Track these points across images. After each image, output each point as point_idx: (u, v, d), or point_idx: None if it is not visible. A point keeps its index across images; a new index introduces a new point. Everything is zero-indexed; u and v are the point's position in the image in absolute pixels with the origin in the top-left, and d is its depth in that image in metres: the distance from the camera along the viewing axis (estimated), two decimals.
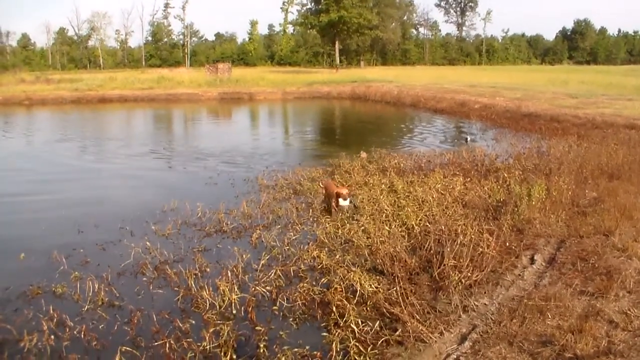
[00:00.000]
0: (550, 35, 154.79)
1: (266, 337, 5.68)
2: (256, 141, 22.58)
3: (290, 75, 61.43)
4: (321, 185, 11.31)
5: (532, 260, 7.39)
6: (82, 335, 5.73)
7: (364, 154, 15.51)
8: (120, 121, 32.16)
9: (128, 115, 34.90)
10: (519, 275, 6.93)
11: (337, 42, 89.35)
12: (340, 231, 8.75)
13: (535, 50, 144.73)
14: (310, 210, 10.22)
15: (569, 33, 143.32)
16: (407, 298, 6.06)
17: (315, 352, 5.29)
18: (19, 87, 45.64)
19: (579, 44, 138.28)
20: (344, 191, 9.56)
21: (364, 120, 30.88)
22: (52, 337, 5.68)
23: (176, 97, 43.92)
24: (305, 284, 6.85)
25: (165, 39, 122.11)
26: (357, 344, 5.33)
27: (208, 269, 7.49)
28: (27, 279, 7.21)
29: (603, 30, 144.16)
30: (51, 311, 6.16)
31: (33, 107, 38.02)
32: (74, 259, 8.01)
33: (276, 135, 25.29)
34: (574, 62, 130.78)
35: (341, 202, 9.48)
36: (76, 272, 7.43)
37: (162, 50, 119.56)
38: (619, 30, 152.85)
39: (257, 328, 5.85)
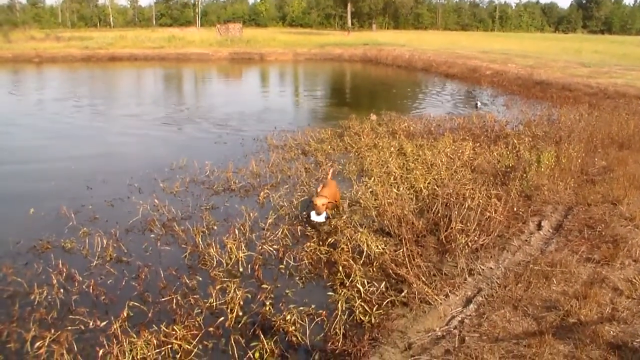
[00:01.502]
0: (564, 3, 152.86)
1: (272, 295, 5.73)
2: (266, 101, 22.49)
3: (301, 36, 61.03)
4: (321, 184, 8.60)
5: (539, 227, 7.38)
6: (91, 290, 5.79)
7: (373, 116, 15.44)
8: (130, 80, 32.05)
9: (138, 74, 34.77)
10: (526, 240, 6.93)
11: (349, 5, 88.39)
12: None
13: (549, 18, 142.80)
14: (320, 170, 10.21)
15: (584, 1, 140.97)
16: (414, 260, 6.08)
17: (320, 311, 5.32)
18: (28, 45, 45.48)
19: (593, 13, 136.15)
20: (320, 202, 7.49)
21: (375, 83, 30.68)
22: (62, 290, 5.75)
23: (186, 56, 43.71)
24: (312, 244, 6.90)
25: None
26: (362, 303, 5.37)
27: (215, 227, 7.53)
28: (36, 234, 7.28)
29: (619, 0, 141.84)
30: (60, 265, 6.22)
31: (43, 64, 37.91)
32: (83, 215, 8.07)
33: (286, 95, 25.18)
34: (588, 32, 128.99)
35: (313, 215, 7.58)
36: (85, 228, 7.49)
37: (172, 10, 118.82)
38: (635, 0, 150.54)
39: (263, 286, 5.90)
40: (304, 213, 7.94)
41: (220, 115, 17.33)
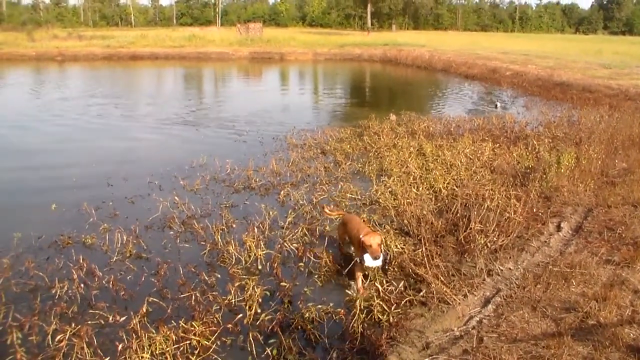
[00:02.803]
0: (585, 4, 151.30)
1: (291, 293, 5.74)
2: (286, 101, 22.55)
3: (321, 36, 61.01)
4: (338, 215, 7.04)
5: (558, 228, 7.33)
6: (111, 285, 5.84)
7: (393, 116, 15.41)
8: (151, 79, 32.25)
9: (158, 72, 34.97)
10: (545, 242, 6.89)
11: (369, 5, 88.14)
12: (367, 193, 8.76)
13: (569, 19, 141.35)
14: (339, 170, 10.22)
15: (605, 2, 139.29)
16: (432, 260, 6.06)
17: (339, 310, 5.34)
18: (51, 43, 45.91)
19: (614, 14, 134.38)
20: (375, 241, 5.48)
21: (395, 83, 30.63)
22: (82, 285, 5.81)
23: (207, 55, 43.90)
24: (331, 242, 6.91)
25: None
26: (380, 302, 5.36)
27: (235, 225, 7.56)
28: (58, 229, 7.35)
29: None
30: (81, 261, 6.29)
31: (65, 62, 38.27)
32: (104, 211, 8.14)
33: (306, 95, 25.22)
34: (608, 33, 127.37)
35: (367, 260, 5.49)
36: (105, 224, 7.55)
37: (193, 9, 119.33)
38: None
39: (282, 284, 5.91)
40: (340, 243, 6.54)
41: (240, 114, 17.37)
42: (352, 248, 6.08)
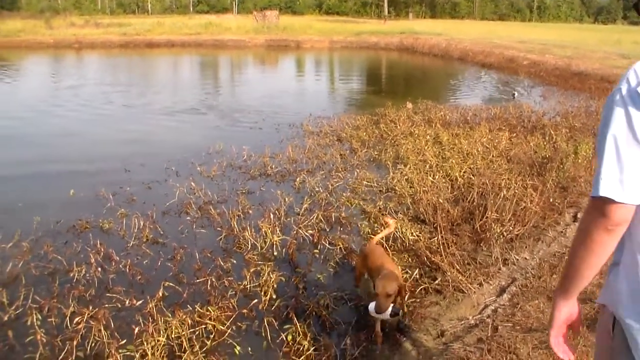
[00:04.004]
0: None
1: (306, 279, 5.76)
2: (302, 88, 22.55)
3: (338, 24, 60.70)
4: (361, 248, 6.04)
5: (575, 218, 7.29)
6: (127, 270, 5.88)
7: (409, 105, 15.34)
8: (167, 66, 32.33)
9: (175, 60, 35.04)
10: (561, 232, 6.86)
11: None
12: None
13: (588, 8, 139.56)
14: (355, 157, 10.22)
15: None
16: (448, 248, 6.06)
17: (354, 297, 5.35)
18: (69, 31, 46.08)
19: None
20: (385, 289, 4.37)
21: (411, 72, 30.52)
22: (99, 269, 5.85)
23: (223, 43, 43.90)
24: (346, 229, 6.94)
25: None
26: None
27: (251, 211, 7.59)
28: (76, 214, 7.40)
29: None
30: (98, 245, 6.34)
31: (82, 50, 38.44)
32: (121, 197, 8.19)
33: (322, 83, 25.19)
34: (628, 22, 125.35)
35: (371, 309, 4.49)
36: (122, 209, 7.60)
37: None
38: None
39: (297, 270, 5.94)
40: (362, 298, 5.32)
41: (256, 102, 17.38)
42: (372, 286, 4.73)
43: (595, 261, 1.92)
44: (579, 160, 9.22)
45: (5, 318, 4.93)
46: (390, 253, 6.14)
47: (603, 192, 1.78)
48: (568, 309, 2.11)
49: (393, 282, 4.42)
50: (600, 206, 1.81)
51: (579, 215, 7.31)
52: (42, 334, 4.54)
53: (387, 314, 4.43)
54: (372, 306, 4.49)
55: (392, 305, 4.43)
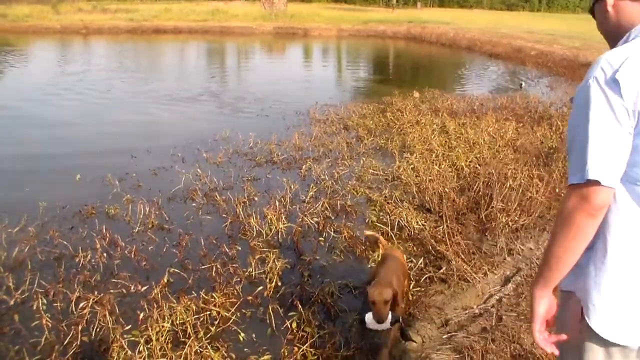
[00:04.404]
0: None
1: (311, 267, 5.77)
2: (308, 76, 22.47)
3: (346, 12, 60.45)
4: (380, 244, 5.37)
5: None
6: (133, 255, 5.90)
7: (416, 94, 15.30)
8: (174, 53, 32.26)
9: (182, 47, 34.95)
10: None
11: None
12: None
13: None
14: (361, 145, 10.20)
15: None
16: (453, 237, 6.05)
17: (358, 285, 5.35)
18: (76, 16, 45.96)
19: None
20: (379, 297, 3.93)
21: (418, 61, 30.40)
22: (105, 255, 5.87)
23: (230, 30, 43.76)
24: (351, 217, 6.95)
25: None
26: None
27: (257, 198, 7.59)
28: (82, 199, 7.43)
29: None
30: (104, 231, 6.36)
31: (90, 35, 38.40)
32: (127, 183, 8.21)
33: (329, 71, 25.12)
34: None
35: (368, 320, 4.01)
36: (128, 195, 7.62)
37: None
38: None
39: (302, 257, 5.95)
40: (357, 317, 4.42)
41: (263, 89, 17.35)
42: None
43: (577, 247, 1.94)
44: None
45: (12, 302, 4.95)
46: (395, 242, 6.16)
47: (593, 175, 1.83)
48: (548, 301, 2.10)
49: (387, 288, 4.04)
50: (584, 191, 1.86)
51: None
52: (48, 319, 4.56)
53: (387, 323, 4.00)
54: (369, 317, 4.01)
55: (390, 312, 4.02)
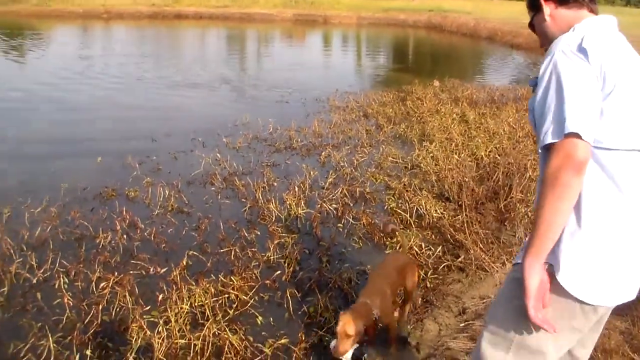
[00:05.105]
0: None
1: (329, 253, 5.76)
2: (328, 63, 22.49)
3: (366, 0, 60.20)
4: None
5: None
6: (152, 238, 5.94)
7: (436, 83, 15.23)
8: (195, 39, 32.33)
9: (203, 33, 35.01)
10: None
11: None
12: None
13: None
14: (381, 133, 10.18)
15: None
16: (472, 226, 6.03)
17: None
18: (97, 1, 46.07)
19: None
20: (345, 329, 3.55)
21: (438, 50, 30.24)
22: (125, 236, 5.92)
23: (250, 16, 43.73)
24: (370, 204, 6.95)
25: None
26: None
27: (276, 183, 7.60)
28: (102, 181, 7.48)
29: None
30: (124, 213, 6.39)
31: (111, 20, 38.54)
32: (147, 166, 8.26)
33: (349, 59, 25.06)
34: None
35: (332, 346, 3.72)
36: (148, 178, 7.65)
37: None
38: None
39: (320, 243, 5.95)
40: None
41: (282, 76, 17.34)
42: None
43: (566, 208, 1.95)
44: None
45: (34, 280, 5.01)
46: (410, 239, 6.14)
47: (572, 128, 1.86)
48: (540, 275, 2.03)
49: (359, 320, 3.59)
50: (566, 147, 1.88)
51: None
52: (69, 297, 4.63)
53: (347, 358, 3.67)
54: (332, 344, 3.73)
55: (355, 346, 3.69)
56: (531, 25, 2.53)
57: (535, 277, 2.02)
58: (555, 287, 2.07)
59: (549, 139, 1.93)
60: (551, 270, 2.08)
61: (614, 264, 2.07)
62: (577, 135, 1.86)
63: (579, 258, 2.04)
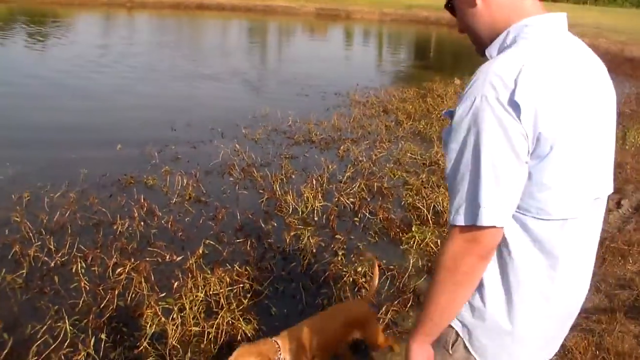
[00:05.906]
0: None
1: (345, 246, 5.75)
2: (350, 58, 22.45)
3: None
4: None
5: (618, 205, 7.16)
6: (169, 226, 5.97)
7: (457, 81, 15.16)
8: (217, 30, 32.40)
9: (224, 24, 35.09)
10: (604, 218, 6.72)
11: None
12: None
13: None
14: (400, 129, 10.16)
15: None
16: None
17: (391, 266, 5.32)
18: None
19: None
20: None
21: (460, 49, 30.03)
22: (142, 223, 5.95)
23: (272, 9, 43.74)
24: (387, 200, 6.94)
25: None
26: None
27: (294, 176, 7.62)
28: (122, 169, 7.52)
29: None
30: (142, 200, 6.44)
31: (134, 9, 38.69)
32: (166, 154, 8.30)
33: (370, 54, 25.01)
34: None
35: None
36: (167, 167, 7.69)
37: None
38: None
39: (336, 236, 5.94)
40: None
41: (303, 69, 17.36)
42: None
43: (465, 294, 1.66)
44: (626, 147, 9.02)
45: (52, 264, 5.05)
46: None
47: (488, 221, 1.51)
48: (427, 354, 1.77)
49: (257, 358, 2.98)
50: (475, 234, 1.55)
51: (622, 202, 7.18)
52: (86, 282, 4.67)
53: None
54: None
55: None
56: (449, 6, 1.92)
57: (421, 358, 1.77)
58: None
59: (461, 221, 1.55)
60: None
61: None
62: (491, 226, 1.53)
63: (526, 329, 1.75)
